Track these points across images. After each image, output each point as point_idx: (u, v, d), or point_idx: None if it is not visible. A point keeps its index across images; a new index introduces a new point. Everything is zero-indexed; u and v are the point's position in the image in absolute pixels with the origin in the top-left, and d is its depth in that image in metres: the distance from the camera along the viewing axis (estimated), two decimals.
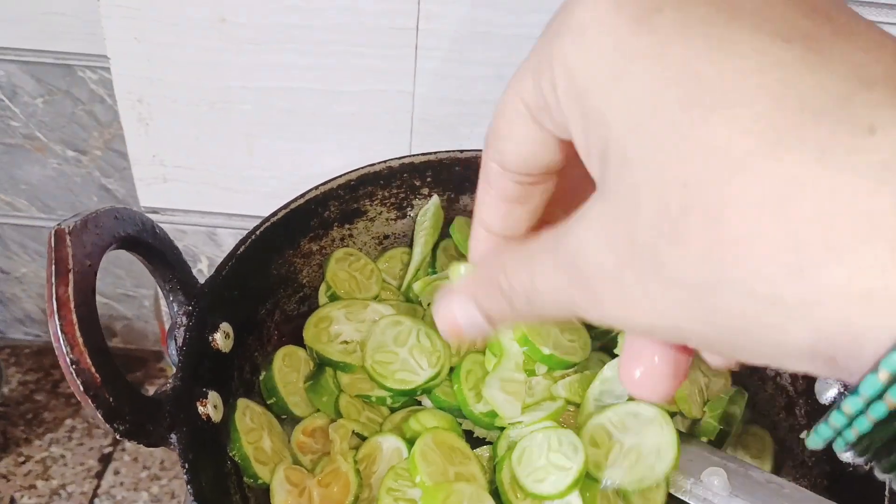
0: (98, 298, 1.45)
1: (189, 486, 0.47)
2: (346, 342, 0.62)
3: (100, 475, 1.45)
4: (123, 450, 1.48)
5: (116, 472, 1.45)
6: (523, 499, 0.53)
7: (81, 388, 0.45)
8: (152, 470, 1.45)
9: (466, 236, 0.68)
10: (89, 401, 0.45)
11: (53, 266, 0.45)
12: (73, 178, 1.33)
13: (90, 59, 1.16)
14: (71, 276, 0.45)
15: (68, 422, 1.51)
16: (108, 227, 0.50)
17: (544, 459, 0.53)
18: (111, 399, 0.46)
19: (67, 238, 0.46)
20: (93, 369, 0.45)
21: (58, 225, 0.46)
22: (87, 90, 1.21)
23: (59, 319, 0.44)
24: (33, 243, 1.43)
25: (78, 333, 0.45)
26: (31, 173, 1.32)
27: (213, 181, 0.95)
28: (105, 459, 1.46)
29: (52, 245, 0.46)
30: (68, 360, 0.44)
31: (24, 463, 1.45)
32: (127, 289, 1.45)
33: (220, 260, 0.59)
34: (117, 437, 0.47)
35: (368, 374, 0.59)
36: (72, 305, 0.45)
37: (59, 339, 0.44)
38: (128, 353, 1.50)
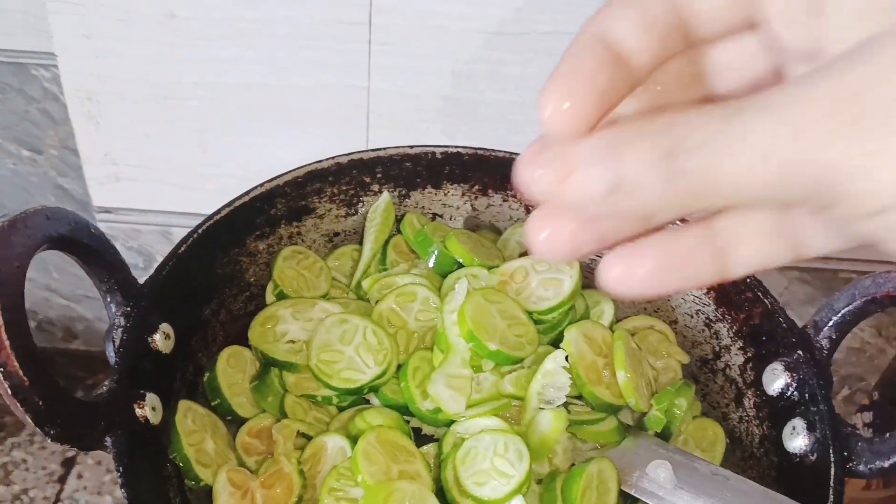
0: (57, 300, 1.43)
1: (123, 491, 0.46)
2: (292, 341, 0.61)
3: (63, 479, 1.42)
4: (87, 454, 1.46)
5: (79, 476, 1.43)
6: (466, 499, 0.52)
7: (9, 392, 0.44)
8: (115, 474, 1.43)
9: (416, 233, 0.68)
10: (18, 404, 0.44)
11: None
12: (29, 178, 1.31)
13: (42, 57, 1.14)
14: None
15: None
16: (38, 228, 0.49)
17: (488, 463, 0.52)
18: (40, 402, 0.45)
19: None
20: (20, 372, 0.44)
21: None
22: (41, 88, 1.19)
23: None
24: None
25: (4, 336, 0.44)
26: None
27: (166, 179, 0.94)
28: (68, 464, 1.44)
29: None
30: None
31: None
32: (87, 289, 1.43)
33: None
34: (48, 441, 0.46)
35: (313, 374, 0.58)
36: None
37: None
38: (89, 354, 1.48)
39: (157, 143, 0.92)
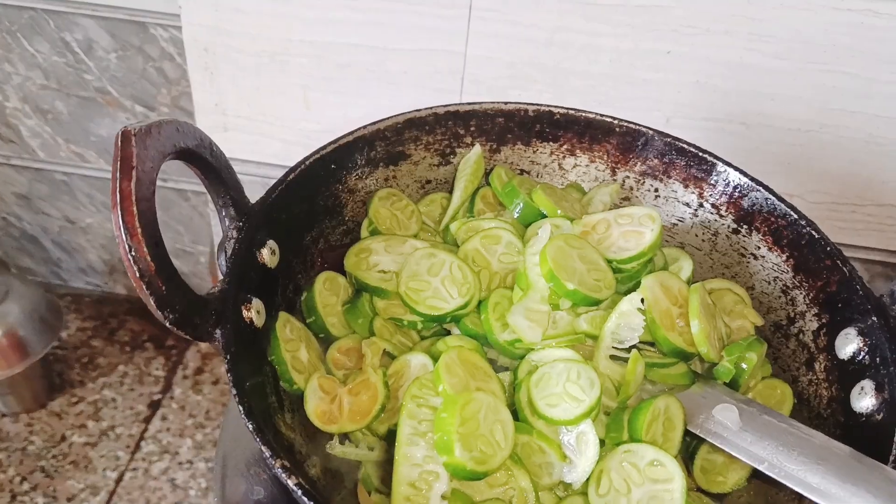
0: None
1: (229, 374, 0.51)
2: (383, 271, 0.65)
3: (148, 420, 1.51)
4: (172, 398, 1.55)
5: (164, 419, 1.52)
6: (538, 419, 0.55)
7: (137, 275, 0.49)
8: (198, 419, 1.51)
9: (504, 184, 0.71)
10: (143, 287, 0.49)
11: (119, 163, 0.49)
12: None
13: (163, 18, 1.22)
14: (134, 173, 0.49)
15: (121, 368, 1.58)
16: (169, 136, 0.54)
17: (561, 387, 0.55)
18: (163, 287, 0.50)
19: (133, 139, 0.50)
20: (148, 258, 0.49)
21: (125, 127, 0.51)
22: (159, 47, 1.27)
23: (121, 211, 0.49)
24: (100, 195, 1.51)
25: (137, 224, 0.49)
26: (102, 126, 1.39)
27: (269, 132, 1.00)
28: (154, 406, 1.53)
29: (119, 144, 0.50)
30: (127, 246, 0.48)
31: (76, 403, 1.52)
32: (185, 244, 1.52)
33: None
34: (167, 325, 0.51)
35: (402, 300, 0.62)
36: (133, 199, 0.49)
37: (119, 228, 0.49)
38: None
39: (264, 97, 0.98)
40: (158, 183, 1.23)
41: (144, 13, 1.21)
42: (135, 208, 0.49)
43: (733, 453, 0.55)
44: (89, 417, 1.50)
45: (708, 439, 0.56)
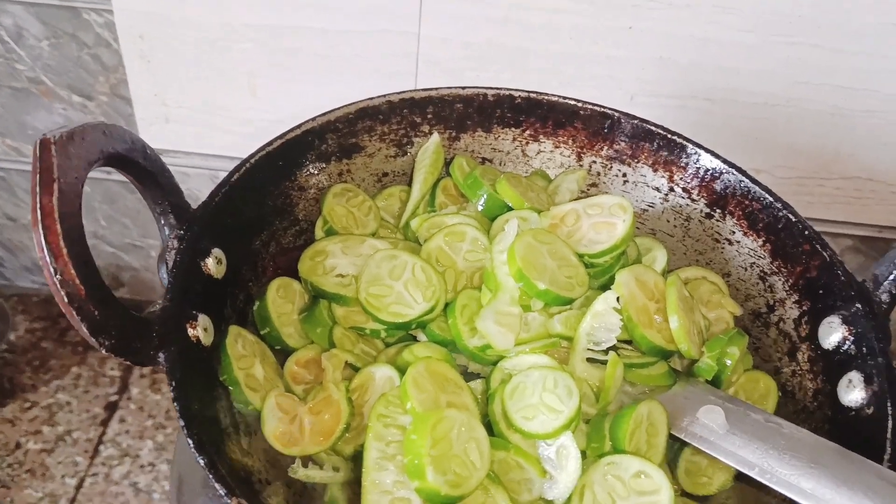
0: (105, 247, 1.45)
1: (175, 404, 0.46)
2: (341, 275, 0.61)
3: (105, 423, 1.45)
4: (129, 398, 1.49)
5: (122, 420, 1.46)
6: (514, 433, 0.52)
7: (66, 300, 0.44)
8: (157, 419, 1.46)
9: (466, 175, 0.67)
10: (73, 313, 0.45)
11: (38, 175, 0.44)
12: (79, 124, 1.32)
13: (95, 2, 1.14)
14: (56, 185, 0.44)
15: (74, 369, 1.52)
16: (95, 142, 0.49)
17: (537, 398, 0.52)
18: (96, 312, 0.45)
19: (52, 148, 0.45)
20: (77, 280, 0.44)
21: (43, 135, 0.45)
22: (93, 34, 1.20)
23: (44, 230, 0.44)
24: None
25: (62, 244, 0.44)
26: (38, 118, 1.32)
27: (214, 122, 0.94)
28: (111, 407, 1.47)
29: (37, 154, 0.45)
30: (52, 269, 0.44)
31: (30, 409, 1.46)
32: (134, 238, 1.45)
33: None
34: (103, 352, 0.46)
35: (363, 307, 0.58)
36: (56, 216, 0.44)
37: (42, 249, 0.44)
38: (135, 303, 1.51)
39: (207, 86, 0.92)
40: (101, 175, 1.16)
41: None
42: (58, 226, 0.44)
43: (721, 458, 0.52)
44: (44, 423, 1.44)
45: (694, 444, 0.53)
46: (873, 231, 1.00)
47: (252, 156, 0.60)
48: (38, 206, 0.44)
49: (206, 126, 0.94)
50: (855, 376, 0.56)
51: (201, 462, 0.44)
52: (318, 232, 0.65)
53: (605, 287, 0.61)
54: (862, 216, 0.98)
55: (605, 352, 0.57)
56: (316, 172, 0.66)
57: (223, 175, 1.01)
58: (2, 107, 1.31)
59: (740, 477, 0.57)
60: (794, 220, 0.63)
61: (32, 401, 1.47)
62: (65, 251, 0.44)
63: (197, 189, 1.05)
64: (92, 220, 1.30)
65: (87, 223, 1.38)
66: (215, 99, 0.92)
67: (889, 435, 0.52)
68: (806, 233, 0.62)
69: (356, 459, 0.54)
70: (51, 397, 1.47)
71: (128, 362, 0.48)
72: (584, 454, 0.52)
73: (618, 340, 0.57)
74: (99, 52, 1.21)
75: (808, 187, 0.96)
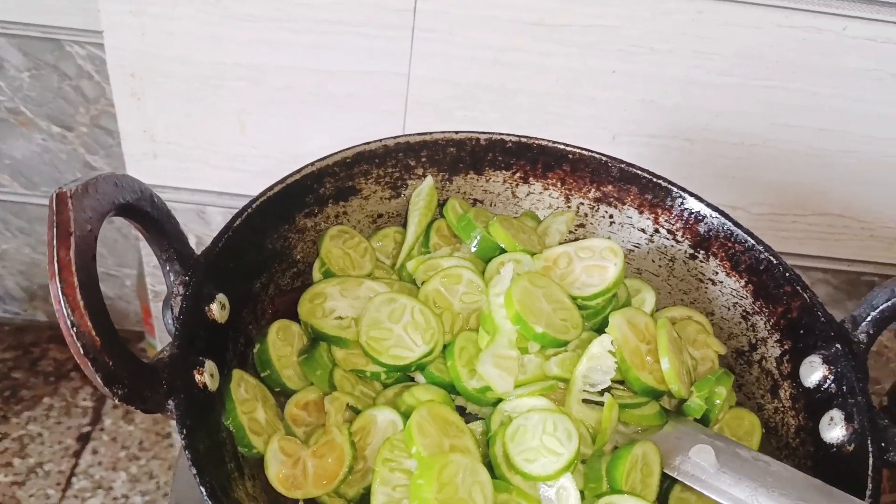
0: None
1: (187, 452, 0.47)
2: (340, 318, 0.62)
3: (78, 454, 1.44)
4: (102, 429, 1.47)
5: (95, 452, 1.44)
6: (515, 475, 0.53)
7: (81, 351, 0.45)
8: (131, 450, 1.44)
9: (459, 217, 0.69)
10: (88, 364, 0.45)
11: (55, 229, 0.45)
12: (58, 155, 1.32)
13: (79, 34, 1.15)
14: (73, 239, 0.45)
15: (46, 400, 1.50)
16: (108, 193, 0.50)
17: (538, 441, 0.53)
18: (110, 363, 0.46)
19: (70, 201, 0.46)
20: (93, 332, 0.45)
21: (59, 188, 0.46)
22: (75, 65, 1.20)
23: (61, 282, 0.44)
24: (16, 219, 1.42)
25: (79, 296, 0.45)
26: (15, 148, 1.31)
27: (203, 158, 0.95)
28: (83, 438, 1.46)
29: (54, 208, 0.45)
30: (69, 322, 0.44)
31: (0, 440, 1.44)
32: (109, 267, 1.44)
33: (209, 238, 0.59)
34: (116, 402, 0.47)
35: (363, 350, 0.59)
36: (73, 268, 0.45)
37: (59, 302, 0.44)
38: None
39: (196, 123, 0.93)
40: None
41: (59, 30, 1.14)
42: (75, 279, 0.45)
43: (713, 496, 0.54)
44: (15, 455, 1.42)
45: (686, 482, 0.55)
46: (843, 265, 1.03)
47: (254, 201, 0.61)
48: (56, 259, 0.44)
49: (195, 162, 0.95)
50: (836, 414, 0.59)
51: None
52: (316, 274, 0.66)
53: (598, 328, 0.64)
54: (834, 251, 1.01)
55: (601, 392, 0.58)
56: (313, 215, 0.67)
57: (210, 209, 1.02)
58: None
59: None
60: (775, 262, 0.66)
61: (3, 432, 1.45)
62: (81, 303, 0.45)
63: (183, 224, 1.05)
64: None
65: None
66: (205, 135, 0.93)
67: (870, 472, 0.54)
68: (787, 275, 0.65)
69: (357, 502, 0.55)
70: (22, 429, 1.45)
71: (137, 411, 0.49)
72: (582, 494, 0.54)
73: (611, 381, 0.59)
74: (80, 83, 1.21)
75: (782, 223, 0.99)
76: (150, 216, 0.55)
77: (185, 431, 0.48)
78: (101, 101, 1.25)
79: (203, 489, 0.46)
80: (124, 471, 1.43)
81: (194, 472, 0.46)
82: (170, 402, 0.50)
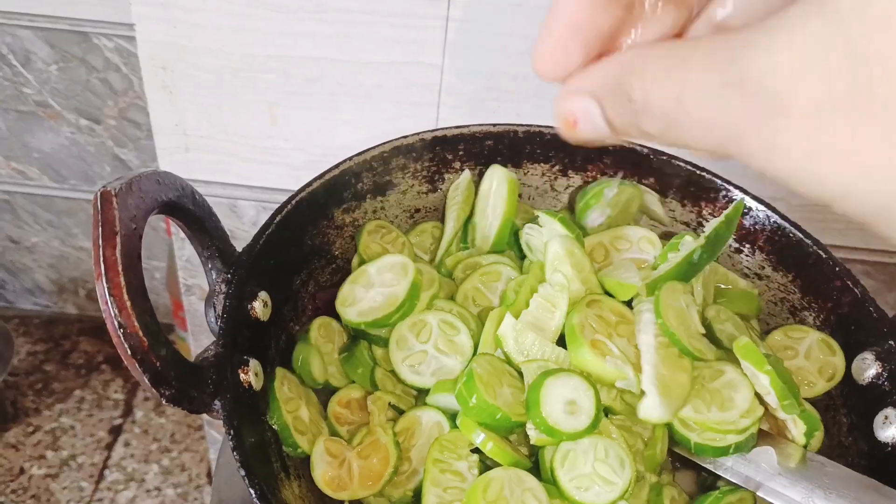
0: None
1: (235, 453, 0.46)
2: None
3: (110, 447, 1.45)
4: (133, 421, 1.48)
5: (127, 444, 1.45)
6: (565, 502, 0.51)
7: (129, 352, 0.44)
8: (163, 442, 1.45)
9: None
10: (136, 365, 0.45)
11: (100, 228, 0.44)
12: (87, 148, 1.32)
13: (106, 27, 1.15)
14: (118, 238, 0.45)
15: (77, 392, 1.51)
16: (151, 191, 0.49)
17: (590, 467, 0.51)
18: (157, 363, 0.45)
19: (114, 200, 0.45)
20: (140, 333, 0.44)
21: (104, 187, 0.46)
22: (103, 58, 1.20)
23: (107, 282, 0.44)
24: (45, 213, 1.43)
25: (126, 296, 0.44)
26: (44, 141, 1.31)
27: (234, 152, 0.94)
28: (115, 431, 1.47)
29: (99, 207, 0.45)
30: (116, 323, 0.44)
31: (33, 433, 1.45)
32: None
33: (241, 232, 0.58)
34: (163, 402, 0.46)
35: (403, 383, 0.59)
36: (119, 268, 0.44)
37: (107, 303, 0.44)
38: None
39: (227, 115, 0.92)
40: None
41: (86, 22, 1.14)
42: (122, 279, 0.44)
43: (768, 499, 0.53)
44: (48, 447, 1.43)
45: (739, 483, 0.54)
46: (885, 256, 1.01)
47: (293, 197, 0.61)
48: (102, 258, 0.44)
49: (226, 155, 0.94)
50: (891, 412, 0.57)
51: None
52: (355, 269, 0.66)
53: None
54: (874, 242, 0.99)
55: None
56: (351, 210, 0.67)
57: (241, 203, 1.02)
58: (7, 129, 1.31)
59: None
60: (824, 256, 0.64)
61: (36, 425, 1.46)
62: (128, 304, 0.44)
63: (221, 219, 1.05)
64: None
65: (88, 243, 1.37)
66: (236, 128, 0.92)
67: None
68: (837, 269, 0.63)
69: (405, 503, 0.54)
70: (54, 421, 1.47)
71: (183, 409, 0.48)
72: None
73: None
74: (108, 75, 1.21)
75: (822, 214, 0.97)
76: (193, 213, 0.54)
77: (232, 432, 0.47)
78: (129, 94, 1.24)
79: (253, 491, 0.45)
80: (156, 463, 1.43)
81: (243, 473, 0.46)
82: (216, 402, 0.49)
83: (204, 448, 1.42)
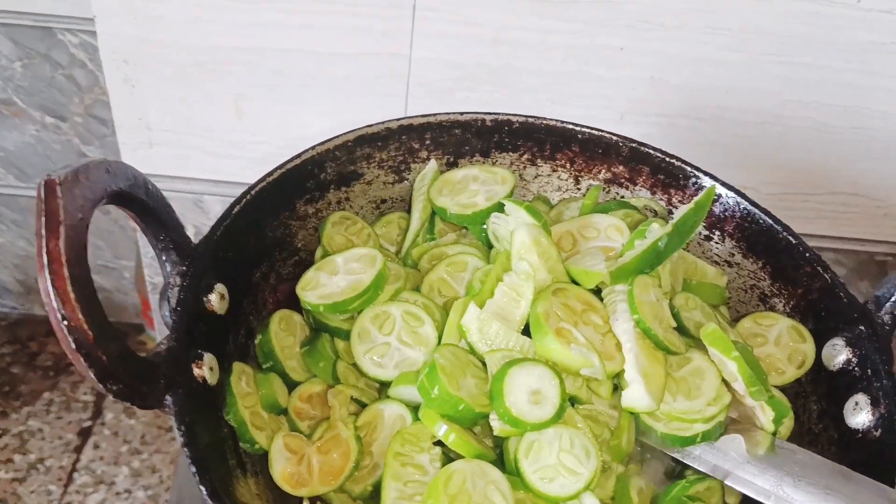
0: None
1: (186, 450, 0.45)
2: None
3: (79, 449, 1.42)
4: (103, 424, 1.45)
5: (96, 447, 1.42)
6: (529, 493, 0.50)
7: (73, 346, 0.43)
8: (133, 444, 1.42)
9: None
10: (81, 359, 0.43)
11: (43, 219, 0.43)
12: (52, 145, 1.29)
13: (71, 22, 1.12)
14: (62, 229, 0.43)
15: (46, 395, 1.48)
16: (99, 181, 0.47)
17: (554, 458, 0.50)
18: (104, 358, 0.44)
19: (58, 189, 0.43)
20: (85, 326, 0.43)
21: (48, 175, 0.44)
22: (68, 54, 1.17)
23: (50, 274, 0.42)
24: (9, 212, 1.40)
25: (70, 289, 0.42)
26: (9, 140, 1.28)
27: (199, 146, 0.93)
28: (84, 433, 1.44)
29: (42, 196, 0.43)
30: (59, 316, 0.42)
31: (0, 436, 1.42)
32: (107, 260, 1.42)
33: (206, 228, 0.56)
34: (110, 398, 0.45)
35: (365, 375, 0.57)
36: (63, 260, 0.42)
37: (49, 296, 0.42)
38: None
39: (191, 109, 0.90)
40: None
41: (50, 18, 1.11)
42: (66, 270, 0.42)
43: (736, 487, 0.52)
44: (15, 451, 1.40)
45: (706, 472, 0.53)
46: (856, 244, 1.01)
47: (252, 187, 0.59)
48: (45, 250, 0.42)
49: (191, 149, 0.92)
50: (861, 399, 0.57)
51: None
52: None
53: None
54: (845, 230, 0.99)
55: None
56: (314, 201, 0.65)
57: (207, 199, 1.00)
58: None
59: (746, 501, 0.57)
60: (794, 242, 0.63)
61: (3, 428, 1.43)
62: (72, 296, 0.42)
63: (179, 213, 1.02)
64: None
65: None
66: (200, 122, 0.90)
67: None
68: (807, 255, 0.63)
69: (365, 499, 0.53)
70: (22, 424, 1.43)
71: (131, 404, 0.47)
72: None
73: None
74: (73, 72, 1.18)
75: (793, 202, 0.97)
76: (145, 204, 0.52)
77: (183, 428, 0.46)
78: (94, 90, 1.22)
79: (203, 488, 0.43)
80: (126, 465, 1.41)
81: (194, 470, 0.44)
82: (167, 397, 0.47)
83: (175, 450, 1.40)
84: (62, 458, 1.41)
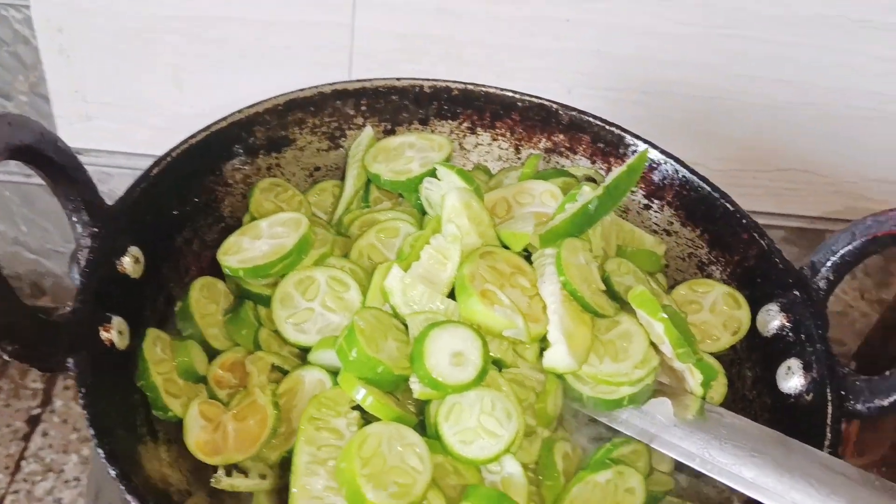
0: (25, 254, 1.38)
1: (86, 412, 0.43)
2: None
3: (27, 437, 1.39)
4: (52, 411, 1.42)
5: (45, 434, 1.39)
6: (447, 457, 0.49)
7: None
8: (83, 432, 1.39)
9: None
10: None
11: None
12: None
13: None
14: None
15: None
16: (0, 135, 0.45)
17: (475, 421, 0.49)
18: None
19: None
20: None
21: None
22: (11, 30, 1.14)
23: None
24: None
25: None
26: None
27: (139, 119, 0.90)
28: (33, 421, 1.40)
29: None
30: None
31: None
32: (56, 244, 1.39)
33: None
34: (5, 358, 0.43)
35: (286, 342, 0.55)
36: None
37: None
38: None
39: (130, 80, 0.88)
40: (20, 178, 1.10)
41: None
42: None
43: (662, 450, 0.51)
44: None
45: (633, 436, 0.52)
46: (805, 222, 1.01)
47: (174, 149, 0.57)
48: None
49: (130, 122, 0.90)
50: (794, 363, 0.56)
51: (112, 473, 0.41)
52: None
53: None
54: (795, 207, 0.99)
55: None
56: (243, 167, 0.63)
57: None
58: None
59: (680, 467, 0.56)
60: (731, 209, 0.63)
61: None
62: None
63: (119, 189, 0.99)
64: (11, 224, 1.23)
65: (6, 228, 1.31)
66: (139, 93, 0.88)
67: (829, 421, 0.52)
68: (744, 222, 0.62)
69: (283, 466, 0.51)
70: None
71: (30, 366, 0.45)
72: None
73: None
74: (17, 49, 1.15)
75: (742, 179, 0.96)
76: (53, 161, 0.50)
77: (84, 390, 0.44)
78: (39, 68, 1.19)
79: (101, 451, 0.42)
80: (76, 453, 1.38)
81: (92, 432, 0.42)
82: (69, 359, 0.45)
83: None
84: (10, 446, 1.38)
